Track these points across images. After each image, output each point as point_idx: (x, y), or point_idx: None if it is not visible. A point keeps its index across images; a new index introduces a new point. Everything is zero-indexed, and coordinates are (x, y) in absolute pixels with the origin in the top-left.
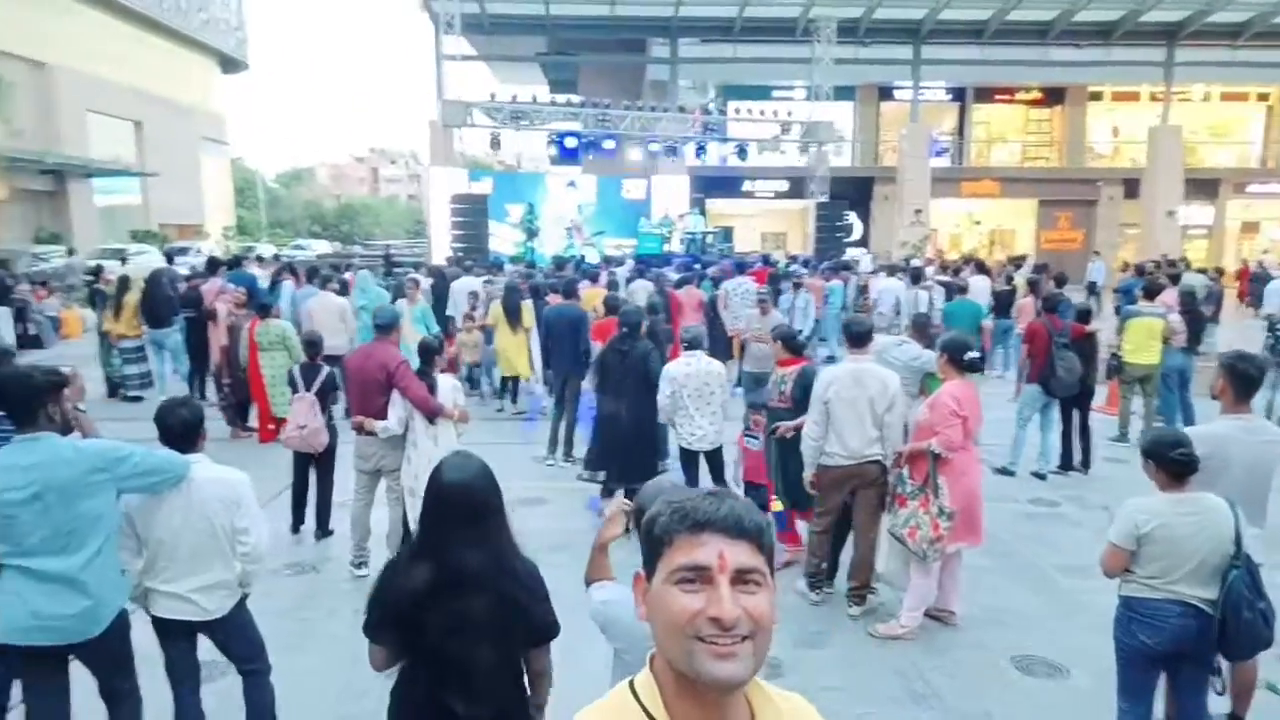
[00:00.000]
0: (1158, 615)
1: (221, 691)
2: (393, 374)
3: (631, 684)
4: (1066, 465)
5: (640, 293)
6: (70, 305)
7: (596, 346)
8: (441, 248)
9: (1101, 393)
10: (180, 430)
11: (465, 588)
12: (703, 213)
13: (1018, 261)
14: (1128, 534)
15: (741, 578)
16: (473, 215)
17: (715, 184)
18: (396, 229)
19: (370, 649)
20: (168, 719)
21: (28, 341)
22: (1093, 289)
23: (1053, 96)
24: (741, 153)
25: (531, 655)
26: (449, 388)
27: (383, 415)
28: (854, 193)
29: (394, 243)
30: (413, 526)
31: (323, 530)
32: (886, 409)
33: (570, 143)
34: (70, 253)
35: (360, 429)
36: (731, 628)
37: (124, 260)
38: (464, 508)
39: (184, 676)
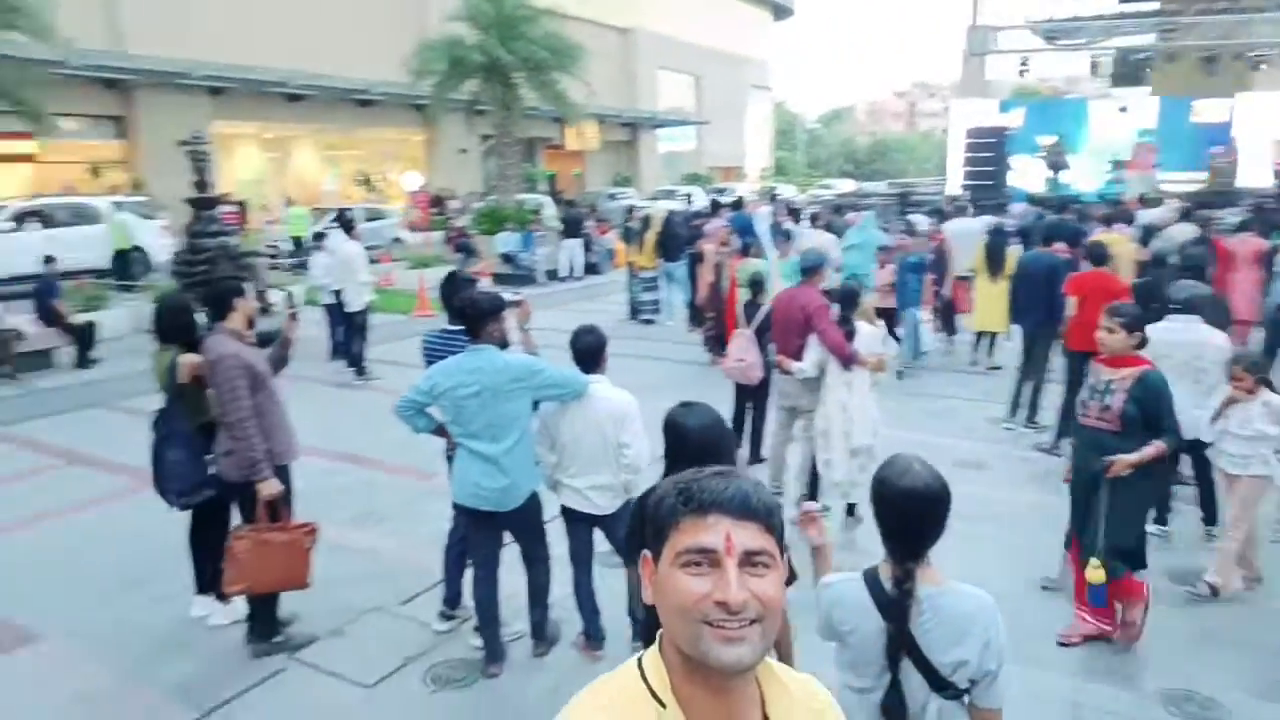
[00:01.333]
0: None
1: (614, 576)
2: (810, 317)
3: (639, 662)
4: None
5: (1180, 239)
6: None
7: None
8: (957, 185)
9: None
10: (585, 353)
11: None
12: None
13: None
14: None
15: (749, 560)
16: (990, 149)
17: None
18: (928, 165)
19: (630, 572)
20: (570, 591)
21: (589, 269)
22: None
23: None
24: None
25: None
26: (868, 335)
27: (801, 356)
28: None
29: (917, 180)
30: (820, 469)
31: (754, 458)
32: None
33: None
34: (572, 203)
35: (779, 367)
36: (739, 612)
37: (655, 201)
38: (703, 450)
39: (581, 558)
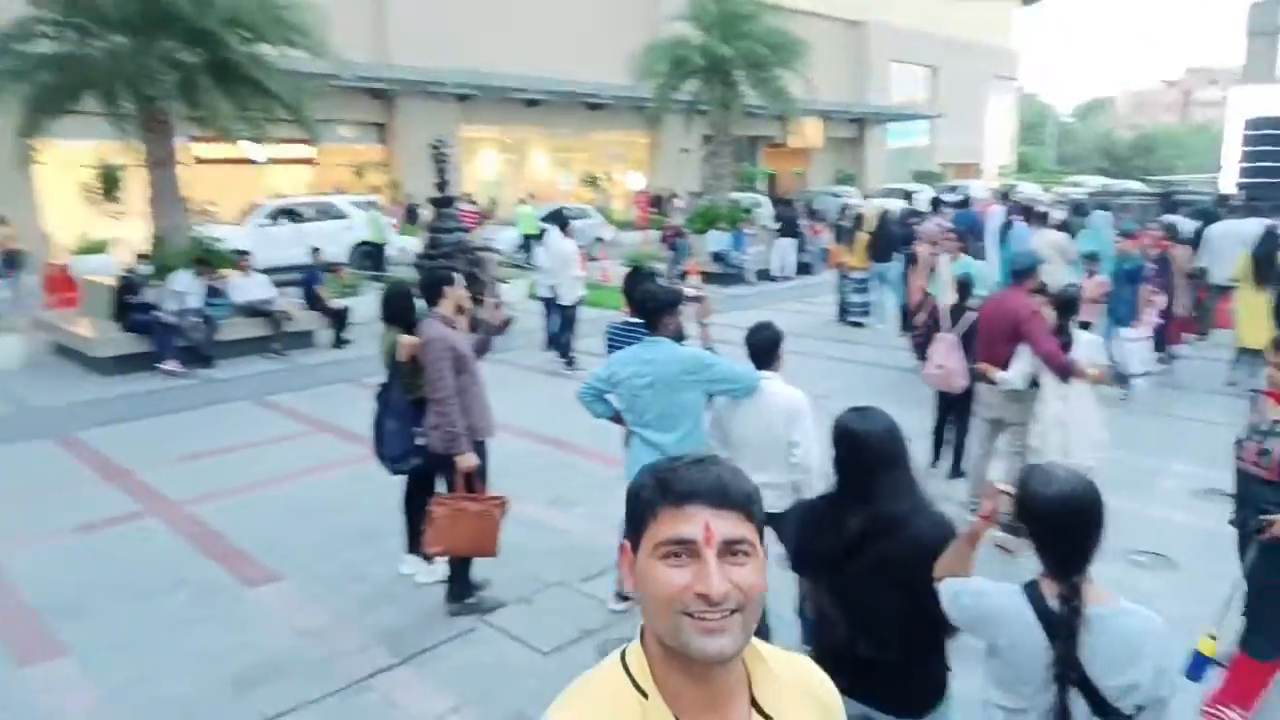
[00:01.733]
0: None
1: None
2: (1021, 324)
3: (623, 655)
4: None
5: None
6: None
7: None
8: (1231, 183)
9: None
10: (759, 348)
11: (889, 534)
12: None
13: None
14: None
15: (729, 549)
16: (1273, 142)
17: None
18: (1203, 161)
19: (800, 580)
20: None
21: (802, 269)
22: None
23: None
24: None
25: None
26: (1087, 344)
27: (1009, 365)
28: None
29: (1186, 178)
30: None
31: (954, 472)
32: None
33: None
34: (787, 203)
35: (981, 376)
36: (720, 603)
37: (868, 199)
38: (875, 458)
39: None
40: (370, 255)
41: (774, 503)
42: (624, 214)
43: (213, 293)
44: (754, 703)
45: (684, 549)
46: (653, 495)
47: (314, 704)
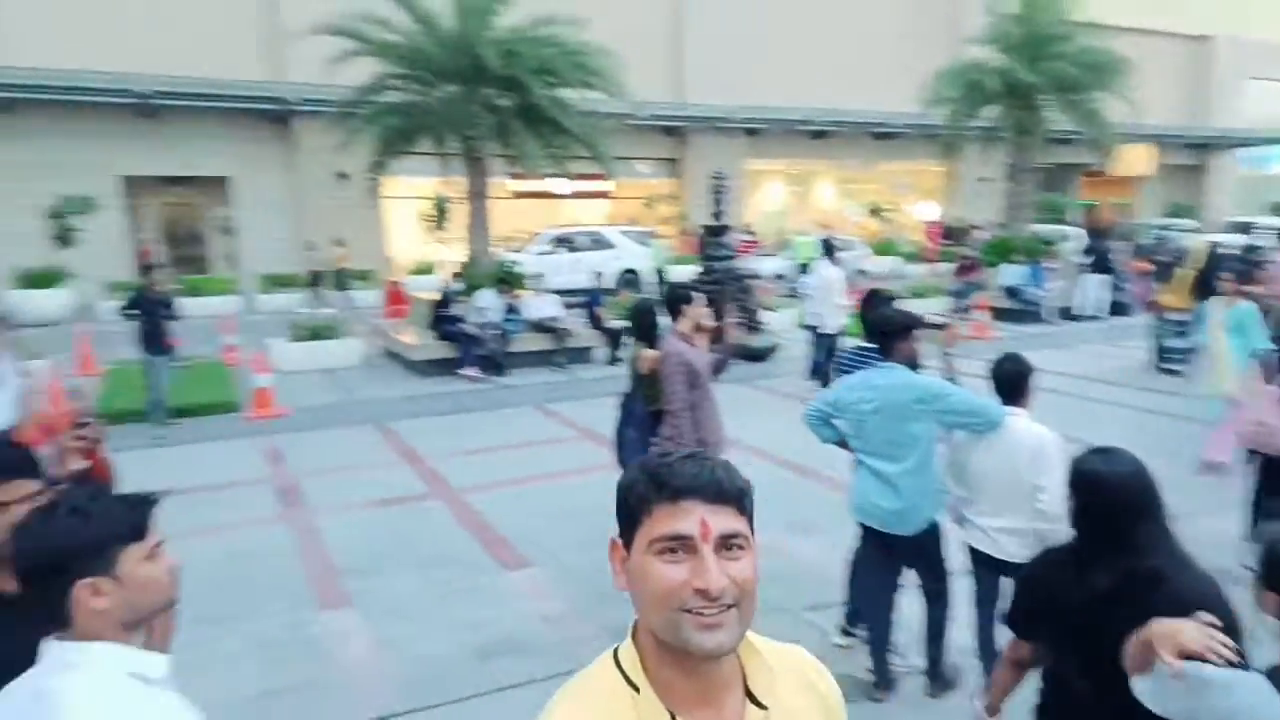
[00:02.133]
0: None
1: None
2: None
3: (615, 652)
4: None
5: None
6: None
7: None
8: None
9: None
10: (1004, 382)
11: (1144, 592)
12: None
13: None
14: None
15: (725, 544)
16: None
17: None
18: None
19: (1014, 643)
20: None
21: (1116, 309)
22: None
23: None
24: None
25: None
26: None
27: None
28: None
29: None
30: None
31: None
32: None
33: None
34: (1100, 235)
35: None
36: (718, 598)
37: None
38: (1120, 505)
39: (983, 602)
40: (633, 282)
41: (1015, 551)
42: (911, 246)
43: (510, 309)
44: (748, 694)
45: (680, 545)
46: (647, 491)
47: (543, 681)
